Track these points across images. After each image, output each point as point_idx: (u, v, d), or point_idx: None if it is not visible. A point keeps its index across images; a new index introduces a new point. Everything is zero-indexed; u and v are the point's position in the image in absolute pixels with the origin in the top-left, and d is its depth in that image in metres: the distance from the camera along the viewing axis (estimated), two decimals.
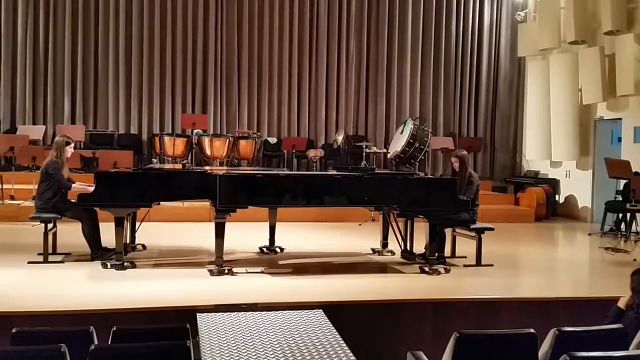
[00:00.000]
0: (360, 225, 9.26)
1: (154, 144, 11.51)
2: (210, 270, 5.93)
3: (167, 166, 9.22)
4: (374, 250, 7.35)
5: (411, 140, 9.19)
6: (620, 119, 10.61)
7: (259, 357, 3.47)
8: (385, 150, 12.14)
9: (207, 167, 8.49)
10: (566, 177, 11.96)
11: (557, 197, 11.94)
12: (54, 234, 6.60)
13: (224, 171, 6.33)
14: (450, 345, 3.29)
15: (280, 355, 3.50)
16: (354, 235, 8.67)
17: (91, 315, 4.44)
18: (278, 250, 7.23)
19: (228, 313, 4.39)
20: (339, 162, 12.13)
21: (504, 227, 8.91)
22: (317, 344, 3.72)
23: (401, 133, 10.13)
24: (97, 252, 6.38)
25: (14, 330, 3.34)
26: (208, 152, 10.76)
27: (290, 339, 3.81)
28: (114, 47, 12.16)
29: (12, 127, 11.64)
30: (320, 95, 12.86)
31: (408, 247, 7.07)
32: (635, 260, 7.32)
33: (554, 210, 11.64)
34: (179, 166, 9.25)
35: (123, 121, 12.27)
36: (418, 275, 6.20)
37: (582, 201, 11.55)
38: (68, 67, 12.02)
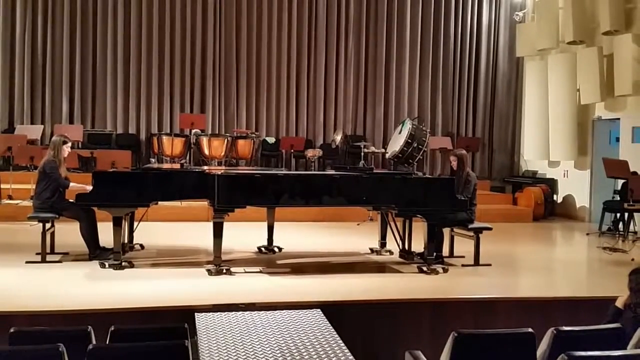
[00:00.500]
0: (358, 225, 9.26)
1: (152, 144, 11.49)
2: (208, 270, 5.93)
3: (165, 166, 9.22)
4: (372, 250, 7.36)
5: (409, 140, 9.18)
6: (618, 119, 10.62)
7: (257, 356, 3.47)
8: (383, 150, 12.13)
9: (206, 167, 8.48)
10: (564, 177, 11.97)
11: (555, 197, 11.96)
12: (52, 234, 6.60)
13: (222, 171, 6.33)
14: (449, 345, 3.29)
15: (279, 355, 3.50)
16: (352, 235, 8.67)
17: (89, 315, 4.45)
18: (276, 250, 7.23)
19: (226, 313, 4.38)
20: (337, 162, 12.14)
21: (502, 226, 8.92)
22: (315, 343, 3.72)
23: (399, 133, 10.11)
24: (95, 252, 6.38)
25: (12, 330, 3.33)
26: (206, 152, 10.74)
27: (289, 338, 3.80)
28: (113, 47, 12.15)
29: (10, 127, 11.63)
30: (318, 95, 12.86)
31: (406, 247, 7.07)
32: (633, 259, 7.33)
33: (552, 210, 11.66)
34: (177, 166, 9.23)
35: (121, 121, 12.26)
36: (416, 274, 6.20)
37: (580, 201, 11.56)
38: (66, 67, 12.00)
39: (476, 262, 6.61)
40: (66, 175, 6.54)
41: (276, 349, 3.61)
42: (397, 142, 9.75)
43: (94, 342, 3.34)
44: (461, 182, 6.69)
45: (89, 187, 6.07)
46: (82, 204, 6.08)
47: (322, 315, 4.39)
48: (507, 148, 13.63)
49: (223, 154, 10.78)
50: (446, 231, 6.88)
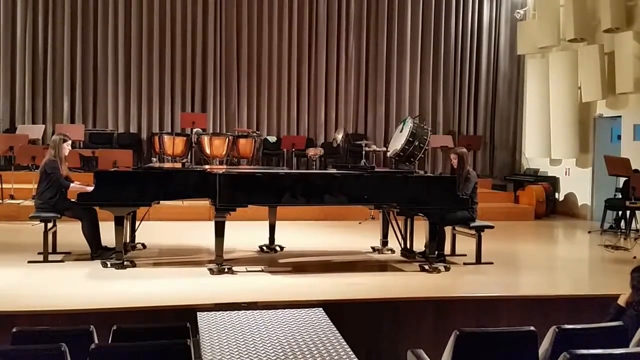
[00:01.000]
0: (360, 223, 9.26)
1: (153, 143, 11.50)
2: (210, 269, 5.93)
3: (167, 165, 9.22)
4: (374, 249, 7.36)
5: (411, 139, 9.18)
6: (620, 116, 10.61)
7: (259, 355, 3.48)
8: (384, 148, 12.13)
9: (207, 166, 8.49)
10: (566, 174, 11.96)
11: (556, 195, 11.94)
12: (54, 234, 6.61)
13: (223, 170, 6.33)
14: (451, 344, 3.29)
15: (281, 354, 3.50)
16: (353, 234, 8.67)
17: (91, 315, 4.45)
18: (278, 248, 7.24)
19: (228, 312, 4.38)
20: (339, 161, 12.14)
21: (503, 225, 8.91)
22: (317, 342, 3.72)
23: (401, 131, 10.11)
24: (97, 251, 6.38)
25: (14, 330, 3.33)
26: (207, 151, 10.75)
27: (291, 337, 3.80)
28: (114, 46, 12.15)
29: (11, 127, 11.63)
30: (319, 93, 12.86)
31: (408, 246, 7.07)
32: (635, 257, 7.33)
33: (553, 208, 11.63)
34: (178, 165, 9.25)
35: (122, 120, 12.26)
36: (418, 273, 6.20)
37: (581, 199, 11.55)
38: (67, 66, 12.01)
39: (478, 261, 6.62)
40: (67, 174, 6.54)
41: (278, 347, 3.61)
42: (398, 141, 9.75)
43: (96, 341, 3.35)
44: (461, 179, 6.69)
45: (90, 188, 6.07)
46: (83, 204, 6.09)
47: (324, 314, 4.38)
48: (508, 146, 13.61)
49: (224, 153, 10.79)
50: (448, 229, 6.88)
